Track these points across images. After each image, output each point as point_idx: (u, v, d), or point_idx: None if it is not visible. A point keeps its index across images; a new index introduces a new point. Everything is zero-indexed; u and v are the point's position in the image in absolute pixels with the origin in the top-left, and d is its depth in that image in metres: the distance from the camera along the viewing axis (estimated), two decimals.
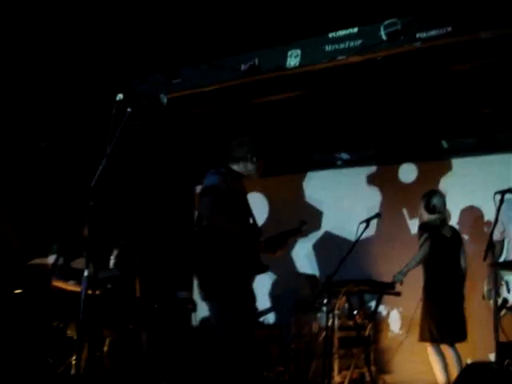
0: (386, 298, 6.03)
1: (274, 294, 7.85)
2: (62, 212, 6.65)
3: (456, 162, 7.10)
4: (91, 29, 5.76)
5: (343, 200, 7.52)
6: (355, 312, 6.13)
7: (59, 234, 6.00)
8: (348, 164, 7.79)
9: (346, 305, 6.06)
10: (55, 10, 5.43)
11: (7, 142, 6.96)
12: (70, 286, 5.47)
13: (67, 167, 7.21)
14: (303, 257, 7.84)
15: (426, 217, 5.65)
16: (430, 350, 5.46)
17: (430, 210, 5.62)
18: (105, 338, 5.52)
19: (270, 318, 7.73)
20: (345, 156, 7.75)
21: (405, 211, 7.17)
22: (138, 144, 6.91)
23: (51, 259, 5.64)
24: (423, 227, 5.62)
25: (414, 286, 5.64)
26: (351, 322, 6.10)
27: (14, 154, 7.05)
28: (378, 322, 6.81)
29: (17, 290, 5.82)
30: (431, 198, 5.67)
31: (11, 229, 6.88)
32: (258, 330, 6.99)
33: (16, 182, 6.99)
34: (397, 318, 6.96)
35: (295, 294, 7.24)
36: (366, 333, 6.06)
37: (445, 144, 7.18)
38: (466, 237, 6.41)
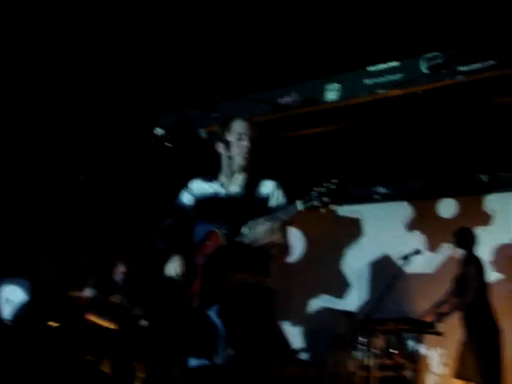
0: (426, 336, 5.88)
1: (309, 331, 7.69)
2: (100, 246, 6.67)
3: (495, 198, 6.94)
4: (132, 66, 5.84)
5: (381, 235, 7.38)
6: (394, 351, 5.96)
7: (96, 268, 6.01)
8: (386, 198, 7.67)
9: (385, 343, 5.91)
10: (103, 44, 5.52)
11: (44, 173, 7.06)
12: (105, 322, 5.45)
13: (106, 201, 7.25)
14: (340, 292, 7.70)
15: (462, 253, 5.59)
16: None
17: (463, 245, 5.57)
18: (137, 373, 5.47)
19: (304, 356, 7.57)
20: (382, 190, 7.63)
21: (444, 247, 7.00)
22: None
23: (87, 292, 5.65)
24: (468, 263, 5.51)
25: (453, 325, 5.48)
26: (390, 362, 5.92)
27: (52, 186, 7.13)
28: (417, 362, 6.60)
29: (52, 322, 5.82)
30: (463, 234, 5.62)
31: (49, 263, 6.94)
32: (292, 367, 6.87)
33: (54, 216, 7.06)
34: (437, 358, 6.74)
35: (331, 332, 7.08)
36: (406, 373, 5.87)
37: (484, 178, 7.03)
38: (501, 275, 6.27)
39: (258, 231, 2.97)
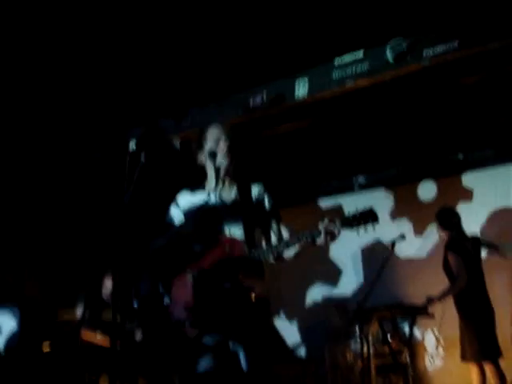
0: (419, 319, 5.91)
1: (303, 328, 7.70)
2: (86, 264, 6.62)
3: (475, 177, 7.00)
4: (104, 80, 5.82)
5: None
6: (389, 337, 5.99)
7: (84, 286, 5.97)
8: (366, 187, 7.70)
9: (379, 331, 5.93)
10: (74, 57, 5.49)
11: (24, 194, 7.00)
12: (98, 340, 5.41)
13: (88, 217, 7.20)
14: (328, 286, 7.71)
15: (446, 234, 5.59)
16: (473, 370, 5.30)
17: (448, 226, 5.57)
18: None
19: (302, 353, 7.58)
20: (362, 179, 7.66)
21: (429, 231, 7.04)
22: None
23: (78, 312, 5.61)
24: (450, 247, 5.50)
25: (446, 305, 5.52)
26: (386, 349, 5.95)
27: (38, 206, 7.07)
28: (413, 346, 6.64)
29: (46, 346, 5.77)
30: (445, 215, 5.64)
31: (37, 287, 6.89)
32: (292, 365, 6.88)
33: (36, 237, 7.00)
34: (433, 340, 6.79)
35: (326, 325, 7.10)
36: (403, 358, 5.90)
37: (461, 156, 7.07)
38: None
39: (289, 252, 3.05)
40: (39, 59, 5.52)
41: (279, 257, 3.11)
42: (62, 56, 5.47)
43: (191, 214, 3.25)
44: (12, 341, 6.35)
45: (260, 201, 3.23)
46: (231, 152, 3.24)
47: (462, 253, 5.40)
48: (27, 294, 6.94)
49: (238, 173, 3.31)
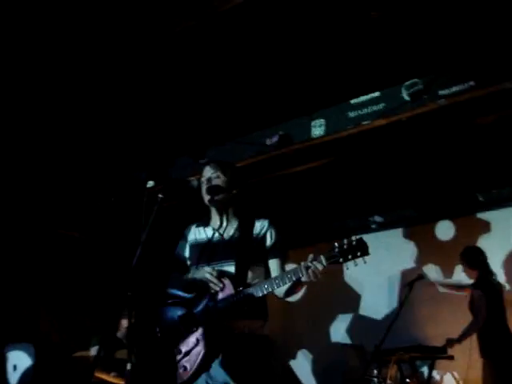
0: (438, 361, 5.80)
1: (318, 370, 7.58)
2: (101, 303, 6.61)
3: (493, 215, 6.94)
4: (120, 121, 5.89)
5: (382, 264, 7.35)
6: (408, 380, 5.87)
7: (100, 325, 5.95)
8: (382, 226, 7.66)
9: (398, 373, 5.82)
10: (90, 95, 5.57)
11: (39, 234, 7.03)
12: (112, 379, 5.37)
13: (103, 257, 7.21)
14: (346, 327, 7.62)
15: (474, 273, 5.54)
16: None
17: (475, 264, 5.53)
18: None
19: None
20: (378, 219, 7.63)
21: (446, 270, 6.96)
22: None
23: (93, 351, 5.58)
24: (478, 285, 5.46)
25: (465, 347, 5.42)
26: None
27: (48, 245, 7.10)
28: None
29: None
30: (471, 254, 5.60)
31: (52, 325, 6.87)
32: None
33: (51, 275, 7.01)
34: (452, 382, 6.64)
35: (343, 367, 6.99)
36: None
37: (480, 197, 7.04)
38: None
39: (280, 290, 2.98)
40: (55, 97, 5.61)
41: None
42: (79, 95, 5.56)
43: (194, 251, 3.27)
44: (26, 378, 6.32)
45: (262, 236, 3.18)
46: (224, 189, 3.22)
47: (487, 291, 5.36)
48: (42, 330, 6.93)
49: (240, 209, 3.30)
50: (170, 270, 3.35)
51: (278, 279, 2.94)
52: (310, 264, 2.83)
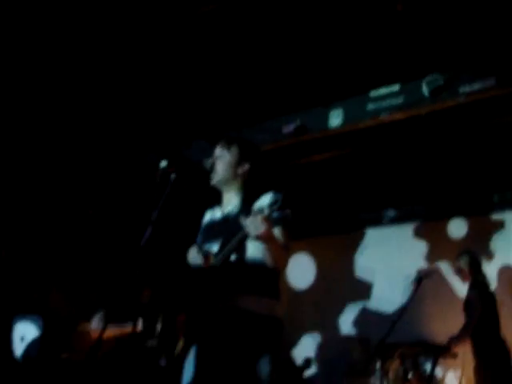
0: (442, 358, 5.79)
1: (323, 359, 7.61)
2: (110, 278, 6.67)
3: (508, 216, 6.89)
4: (135, 98, 5.92)
5: (393, 259, 7.34)
6: (410, 375, 5.88)
7: (106, 300, 6.00)
8: (395, 221, 7.64)
9: (401, 368, 5.83)
10: (105, 78, 5.60)
11: (57, 211, 7.10)
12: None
13: (116, 234, 7.27)
14: (353, 318, 7.63)
15: (471, 276, 5.55)
16: None
17: (477, 270, 5.55)
18: None
19: None
20: (391, 213, 7.61)
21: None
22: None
23: (94, 324, 5.60)
24: (476, 286, 5.46)
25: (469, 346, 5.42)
26: None
27: (63, 222, 7.17)
28: None
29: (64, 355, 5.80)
30: (469, 257, 5.60)
31: (62, 300, 6.95)
32: None
33: (65, 252, 7.09)
34: (454, 381, 6.64)
35: (346, 358, 7.00)
36: None
37: (496, 198, 6.99)
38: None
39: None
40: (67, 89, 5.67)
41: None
42: (101, 76, 5.60)
43: (200, 234, 3.26)
44: (33, 349, 6.39)
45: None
46: (232, 165, 3.18)
47: (483, 293, 5.38)
48: (52, 306, 7.01)
49: (249, 184, 3.22)
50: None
51: (233, 239, 2.84)
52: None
